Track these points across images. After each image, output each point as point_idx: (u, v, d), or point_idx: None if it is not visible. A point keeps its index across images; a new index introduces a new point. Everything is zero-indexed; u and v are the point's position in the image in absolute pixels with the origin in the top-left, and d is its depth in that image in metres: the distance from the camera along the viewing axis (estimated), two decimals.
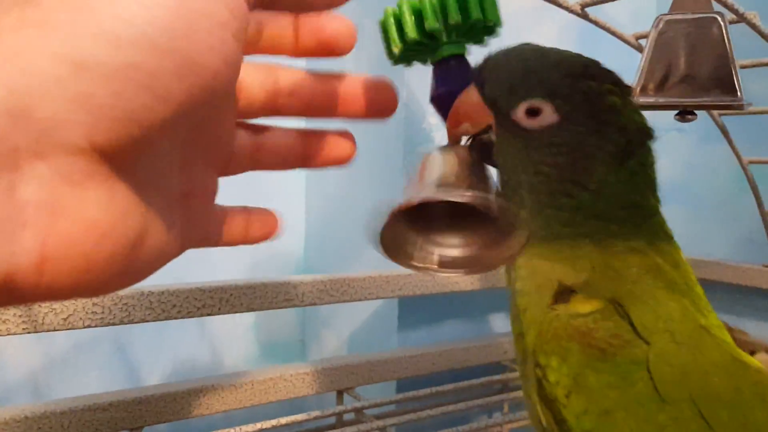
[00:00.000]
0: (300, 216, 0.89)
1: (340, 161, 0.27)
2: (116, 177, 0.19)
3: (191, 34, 0.18)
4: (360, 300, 0.64)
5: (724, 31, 0.35)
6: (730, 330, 0.32)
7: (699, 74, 0.36)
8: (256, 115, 0.26)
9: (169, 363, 0.79)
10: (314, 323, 0.89)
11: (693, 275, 0.32)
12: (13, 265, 0.17)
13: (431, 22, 0.30)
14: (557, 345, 0.28)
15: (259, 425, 0.54)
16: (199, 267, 0.78)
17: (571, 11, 0.50)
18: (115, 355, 0.76)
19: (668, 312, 0.29)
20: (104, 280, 0.20)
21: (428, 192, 0.28)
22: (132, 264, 0.20)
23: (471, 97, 0.31)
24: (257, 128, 0.27)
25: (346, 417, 0.63)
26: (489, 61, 0.31)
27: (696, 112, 0.41)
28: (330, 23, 0.24)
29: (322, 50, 0.25)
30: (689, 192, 0.89)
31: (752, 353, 0.31)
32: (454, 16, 0.30)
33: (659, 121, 0.98)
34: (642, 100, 0.37)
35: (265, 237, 0.28)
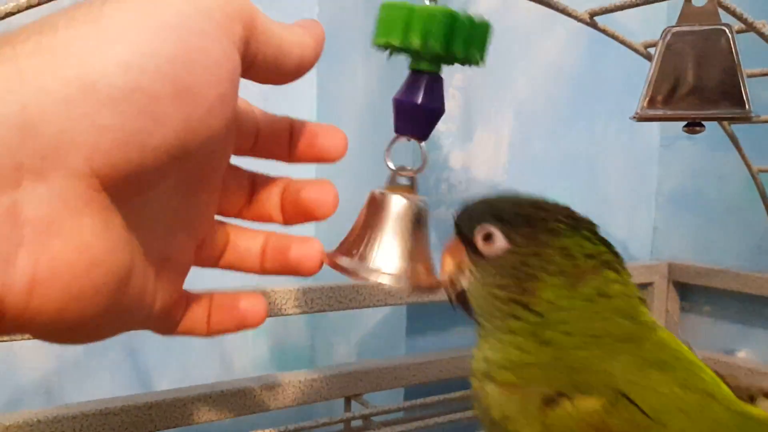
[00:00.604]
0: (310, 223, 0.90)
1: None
2: (112, 209, 0.20)
3: (190, 65, 0.20)
4: (368, 307, 0.64)
5: (731, 43, 0.35)
6: (723, 378, 0.31)
7: (707, 86, 0.36)
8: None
9: (180, 367, 0.80)
10: (323, 329, 0.89)
11: (668, 332, 0.32)
12: (6, 286, 0.17)
13: (413, 40, 0.30)
14: None
15: (267, 431, 0.55)
16: (209, 272, 0.79)
17: (580, 20, 0.50)
18: (127, 359, 0.77)
19: (669, 388, 0.28)
20: (89, 315, 0.20)
21: (351, 264, 0.31)
22: (116, 304, 0.21)
23: (450, 239, 0.34)
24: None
25: (354, 424, 0.63)
26: (466, 202, 0.34)
27: (708, 123, 0.41)
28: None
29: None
30: (699, 200, 0.89)
31: (751, 399, 0.31)
32: (435, 47, 0.30)
33: (669, 129, 0.98)
34: (650, 112, 0.37)
35: (234, 327, 0.30)
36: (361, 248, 0.31)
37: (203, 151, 0.21)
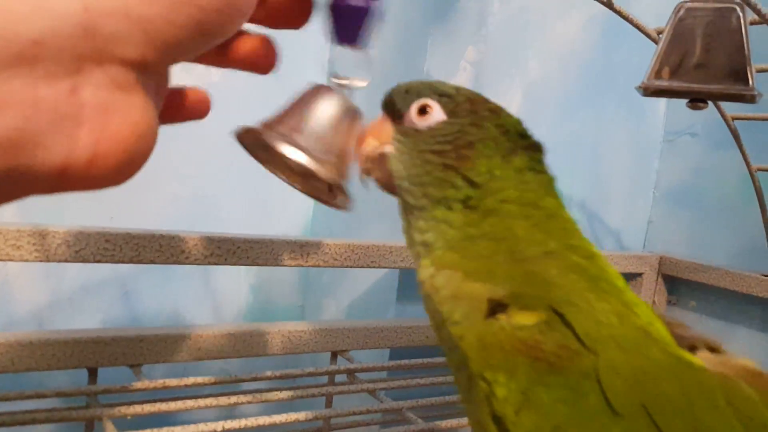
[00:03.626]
0: (307, 203, 0.90)
1: (259, 68, 0.28)
2: (149, 86, 0.23)
3: None
4: (362, 267, 0.65)
5: (742, 22, 0.36)
6: (669, 324, 0.31)
7: (714, 62, 0.36)
8: None
9: (171, 314, 0.81)
10: (315, 290, 0.90)
11: (609, 266, 0.32)
12: (71, 158, 0.20)
13: None
14: (504, 359, 0.27)
15: (253, 375, 0.56)
16: (208, 220, 0.80)
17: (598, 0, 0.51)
18: (120, 300, 0.78)
19: (606, 317, 0.28)
20: (127, 174, 0.23)
21: (280, 139, 0.31)
22: (146, 155, 0.24)
23: (376, 118, 0.35)
24: None
25: (338, 378, 0.64)
26: (394, 86, 0.35)
27: (710, 116, 0.41)
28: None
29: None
30: (696, 197, 0.90)
31: (692, 348, 0.30)
32: None
33: (674, 125, 0.99)
34: (656, 83, 0.38)
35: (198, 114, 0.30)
36: (288, 128, 0.31)
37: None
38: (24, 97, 0.19)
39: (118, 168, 0.22)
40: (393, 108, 0.34)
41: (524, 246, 0.30)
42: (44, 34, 0.19)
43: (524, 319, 0.28)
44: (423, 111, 0.33)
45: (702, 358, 0.29)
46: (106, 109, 0.21)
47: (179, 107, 0.28)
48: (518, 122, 0.33)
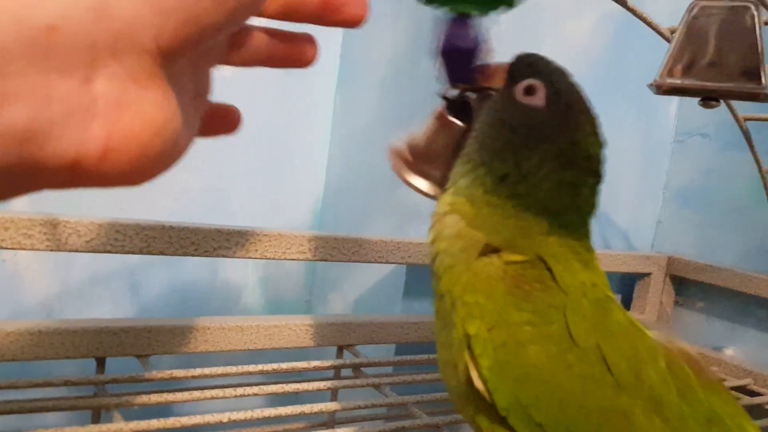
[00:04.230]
0: (320, 178, 0.91)
1: (301, 64, 0.29)
2: (168, 79, 0.22)
3: None
4: (369, 262, 0.65)
5: (756, 21, 0.36)
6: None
7: (727, 61, 0.36)
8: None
9: (180, 306, 0.82)
10: (321, 285, 0.91)
11: (603, 275, 0.35)
12: (82, 152, 0.19)
13: None
14: (487, 285, 0.31)
15: (260, 367, 0.56)
16: (218, 213, 0.80)
17: None
18: (129, 290, 0.78)
19: (583, 279, 0.33)
20: (147, 172, 0.22)
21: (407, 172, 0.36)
22: (169, 157, 0.23)
23: (501, 64, 0.35)
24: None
25: (344, 372, 0.65)
26: (534, 53, 0.36)
27: (722, 117, 0.41)
28: None
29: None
30: (705, 198, 0.90)
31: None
32: None
33: (684, 125, 0.99)
34: (669, 81, 0.38)
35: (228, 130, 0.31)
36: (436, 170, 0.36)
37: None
38: (37, 89, 0.18)
39: (133, 165, 0.21)
40: (512, 72, 0.35)
41: (530, 227, 0.33)
42: (59, 18, 0.18)
43: (512, 257, 0.32)
44: (529, 91, 0.33)
45: (652, 335, 0.34)
46: (119, 103, 0.20)
47: (209, 121, 0.28)
48: (593, 145, 0.34)
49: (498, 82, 0.35)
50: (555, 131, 0.33)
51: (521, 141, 0.33)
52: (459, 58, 0.34)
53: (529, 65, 0.34)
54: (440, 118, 0.36)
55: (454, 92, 0.35)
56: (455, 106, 0.36)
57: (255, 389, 0.53)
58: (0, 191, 0.19)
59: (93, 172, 0.20)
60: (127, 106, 0.20)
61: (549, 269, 0.32)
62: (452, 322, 0.33)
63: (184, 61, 0.23)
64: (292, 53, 0.29)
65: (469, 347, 0.31)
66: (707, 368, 0.34)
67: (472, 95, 0.35)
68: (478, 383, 0.31)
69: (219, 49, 0.28)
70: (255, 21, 0.26)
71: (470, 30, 0.33)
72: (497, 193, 0.33)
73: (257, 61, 0.29)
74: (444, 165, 0.35)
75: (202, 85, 0.27)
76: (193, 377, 0.54)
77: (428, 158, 0.36)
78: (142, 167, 0.21)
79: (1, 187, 0.19)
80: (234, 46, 0.28)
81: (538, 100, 0.33)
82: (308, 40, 0.29)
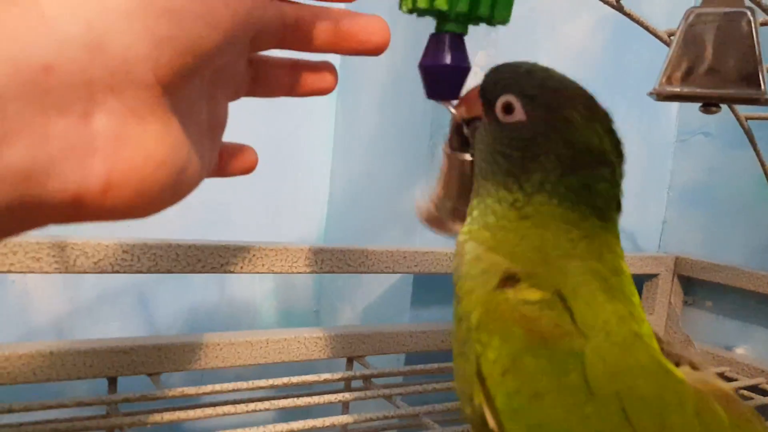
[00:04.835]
0: (324, 189, 0.91)
1: (323, 92, 0.29)
2: (170, 112, 0.21)
3: None
4: (377, 272, 0.66)
5: (753, 27, 0.36)
6: (660, 341, 0.33)
7: (725, 67, 0.36)
8: (261, 49, 0.28)
9: (188, 321, 0.82)
10: (330, 295, 0.91)
11: (632, 284, 0.34)
12: (83, 187, 0.19)
13: (440, 2, 0.31)
14: (502, 326, 0.30)
15: (270, 381, 0.57)
16: (221, 227, 0.81)
17: (607, 2, 0.51)
18: (138, 307, 0.79)
19: (606, 314, 0.30)
20: (155, 204, 0.22)
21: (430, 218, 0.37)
22: (177, 189, 0.23)
23: (474, 89, 0.35)
24: (255, 58, 0.29)
25: (354, 384, 0.65)
26: (498, 66, 0.35)
27: (723, 116, 0.41)
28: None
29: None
30: (710, 197, 0.90)
31: (677, 364, 0.32)
32: (462, 6, 0.31)
33: (687, 125, 0.99)
34: (668, 88, 0.38)
35: (246, 170, 0.31)
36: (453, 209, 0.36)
37: (246, 34, 0.23)
38: (35, 128, 0.18)
39: (136, 198, 0.21)
40: (485, 96, 0.34)
41: (549, 248, 0.32)
42: (54, 58, 0.18)
43: (529, 295, 0.30)
44: (507, 108, 0.33)
45: (683, 372, 0.31)
46: (119, 137, 0.20)
47: (226, 161, 0.28)
48: (590, 133, 0.32)
49: (476, 111, 0.34)
50: (546, 139, 0.32)
51: (518, 163, 0.32)
52: (438, 74, 0.34)
53: (495, 83, 0.34)
54: (447, 156, 0.36)
55: (450, 129, 0.36)
56: (457, 140, 0.36)
57: (266, 404, 0.53)
58: (5, 229, 0.19)
59: (96, 206, 0.20)
60: (127, 141, 0.20)
61: (569, 308, 0.30)
62: (466, 353, 0.32)
63: (194, 91, 0.23)
64: (314, 81, 0.29)
65: (483, 384, 0.30)
66: (743, 405, 0.31)
67: (465, 129, 0.35)
68: (492, 423, 0.29)
69: (239, 79, 0.28)
70: (276, 53, 0.27)
71: (449, 47, 0.33)
72: (508, 218, 0.32)
73: (281, 91, 0.29)
74: (466, 200, 0.35)
75: (219, 116, 0.27)
76: (204, 393, 0.54)
77: (450, 197, 0.36)
78: (145, 200, 0.21)
79: (6, 225, 0.19)
80: (257, 77, 0.28)
81: (519, 114, 0.32)
82: (328, 67, 0.29)
